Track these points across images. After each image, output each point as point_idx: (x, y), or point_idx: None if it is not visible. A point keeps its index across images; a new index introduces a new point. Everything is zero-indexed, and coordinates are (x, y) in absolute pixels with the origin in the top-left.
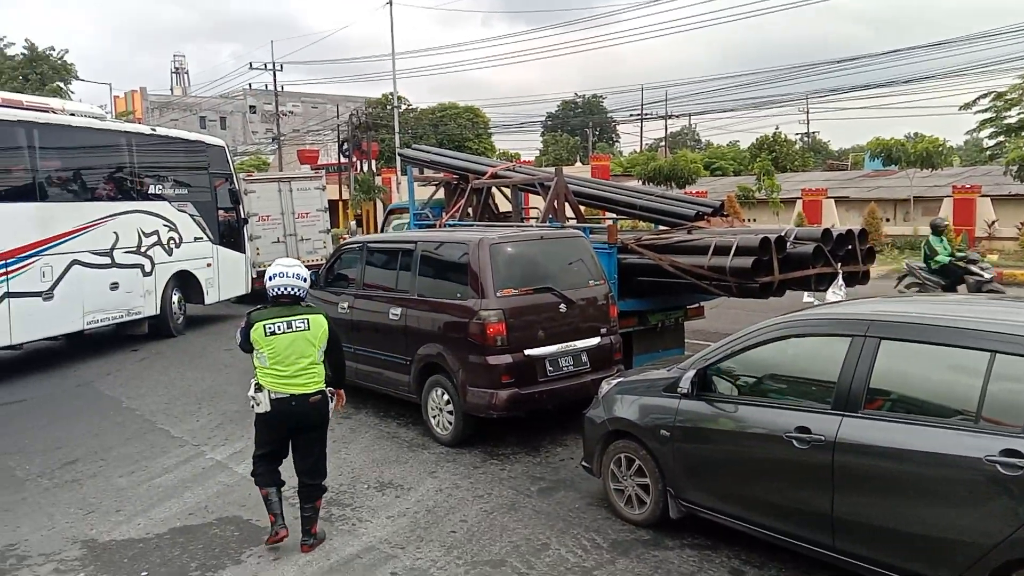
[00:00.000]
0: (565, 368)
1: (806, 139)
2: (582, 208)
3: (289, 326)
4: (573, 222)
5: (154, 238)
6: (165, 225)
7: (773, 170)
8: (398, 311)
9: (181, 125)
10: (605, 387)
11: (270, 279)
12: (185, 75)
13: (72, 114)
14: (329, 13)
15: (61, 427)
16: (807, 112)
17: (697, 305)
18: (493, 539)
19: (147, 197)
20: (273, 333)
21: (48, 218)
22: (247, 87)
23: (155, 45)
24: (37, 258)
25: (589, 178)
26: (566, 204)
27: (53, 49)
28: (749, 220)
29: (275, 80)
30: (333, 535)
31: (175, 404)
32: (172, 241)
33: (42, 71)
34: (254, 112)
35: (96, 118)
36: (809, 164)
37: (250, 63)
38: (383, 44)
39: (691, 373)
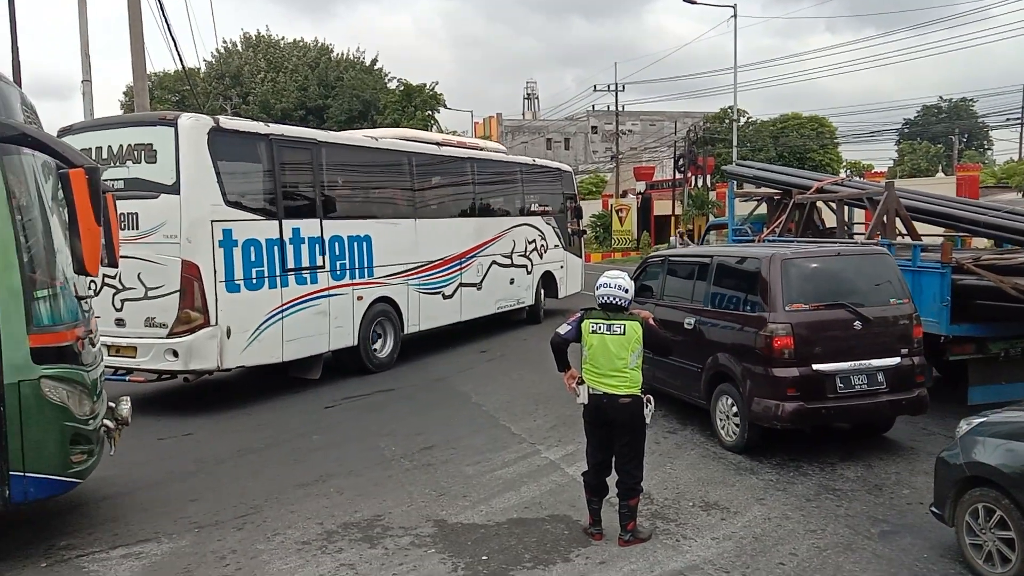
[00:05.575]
0: (858, 386)
1: None
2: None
3: (608, 329)
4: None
5: (533, 245)
6: (539, 235)
7: None
8: (692, 320)
9: (530, 147)
10: (964, 426)
11: (598, 288)
12: (536, 100)
13: (481, 149)
14: (668, 33)
15: (421, 416)
16: None
17: None
18: None
19: (530, 213)
20: (594, 332)
21: (480, 229)
22: (590, 108)
23: (509, 74)
24: (475, 259)
25: (928, 193)
26: (897, 220)
27: (424, 84)
28: None
29: (616, 100)
30: (657, 548)
31: (516, 403)
32: (543, 247)
33: (416, 104)
34: (595, 132)
35: (502, 152)
36: None
37: (594, 85)
38: (721, 59)
39: None
